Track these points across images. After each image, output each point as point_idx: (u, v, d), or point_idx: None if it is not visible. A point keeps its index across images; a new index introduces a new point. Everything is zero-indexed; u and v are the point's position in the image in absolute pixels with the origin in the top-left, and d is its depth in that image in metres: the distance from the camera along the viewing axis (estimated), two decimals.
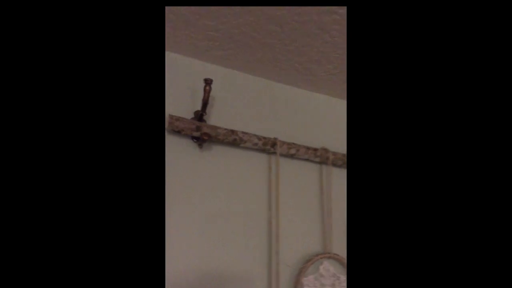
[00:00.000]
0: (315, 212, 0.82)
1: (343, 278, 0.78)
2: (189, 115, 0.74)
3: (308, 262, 0.74)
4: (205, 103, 0.70)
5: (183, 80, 0.76)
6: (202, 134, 0.70)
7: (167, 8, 0.65)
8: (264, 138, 0.77)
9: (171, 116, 0.69)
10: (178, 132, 0.70)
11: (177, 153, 0.71)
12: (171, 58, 0.77)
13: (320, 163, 0.85)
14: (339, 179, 0.86)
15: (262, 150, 0.79)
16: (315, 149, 0.82)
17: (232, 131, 0.74)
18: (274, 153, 0.79)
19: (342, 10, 0.63)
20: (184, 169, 0.71)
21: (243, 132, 0.75)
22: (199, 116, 0.72)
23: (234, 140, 0.74)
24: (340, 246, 0.81)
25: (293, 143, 0.80)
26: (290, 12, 0.64)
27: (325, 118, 0.91)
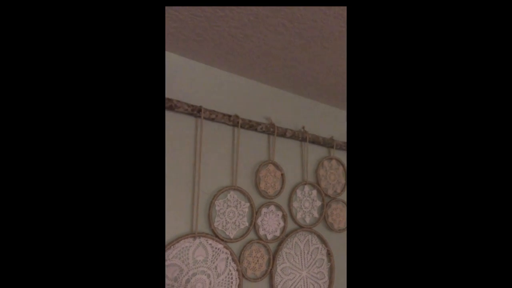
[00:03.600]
0: (226, 159, 1.17)
1: (243, 203, 1.15)
2: None
3: (219, 191, 1.10)
4: None
5: None
6: None
7: None
8: (193, 105, 1.08)
9: None
10: None
11: None
12: None
13: (232, 125, 1.19)
14: (245, 138, 1.22)
15: (191, 115, 1.10)
16: (229, 115, 1.15)
17: (169, 99, 1.03)
18: (199, 117, 1.11)
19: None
20: None
21: (177, 100, 1.05)
22: None
23: (170, 106, 1.04)
24: (242, 182, 1.18)
25: (214, 110, 1.12)
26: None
27: (238, 93, 1.25)
